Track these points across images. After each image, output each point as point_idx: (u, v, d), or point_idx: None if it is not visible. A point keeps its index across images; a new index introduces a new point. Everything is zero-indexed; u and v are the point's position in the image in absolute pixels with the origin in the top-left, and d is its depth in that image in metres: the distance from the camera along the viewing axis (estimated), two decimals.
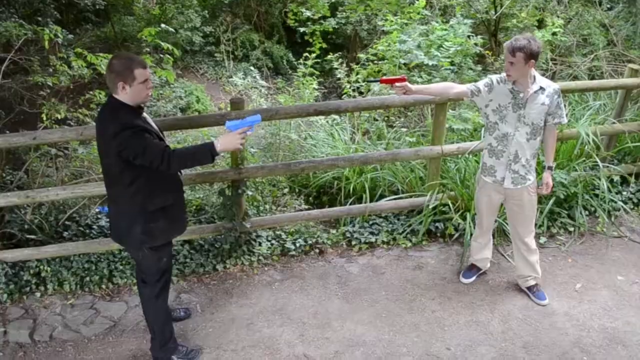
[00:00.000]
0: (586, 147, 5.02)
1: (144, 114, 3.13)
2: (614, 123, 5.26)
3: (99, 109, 3.33)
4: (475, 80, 6.61)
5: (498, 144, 3.76)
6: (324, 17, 10.17)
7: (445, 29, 6.99)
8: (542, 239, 4.81)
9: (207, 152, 3.05)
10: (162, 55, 5.07)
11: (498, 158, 3.79)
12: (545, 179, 3.82)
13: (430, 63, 6.45)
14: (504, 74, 3.67)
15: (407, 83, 3.70)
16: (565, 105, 5.93)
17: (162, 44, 4.80)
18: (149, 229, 3.18)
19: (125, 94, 2.97)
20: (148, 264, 3.35)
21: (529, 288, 4.19)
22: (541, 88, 3.59)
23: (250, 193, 4.64)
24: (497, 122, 3.72)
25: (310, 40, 8.67)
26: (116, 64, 2.95)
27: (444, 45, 6.70)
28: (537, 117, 3.62)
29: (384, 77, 3.71)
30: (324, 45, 7.36)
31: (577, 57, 8.14)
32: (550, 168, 3.84)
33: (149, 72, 3.05)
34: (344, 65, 7.50)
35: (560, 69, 7.71)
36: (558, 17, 7.44)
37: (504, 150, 3.74)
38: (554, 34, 6.94)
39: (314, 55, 7.35)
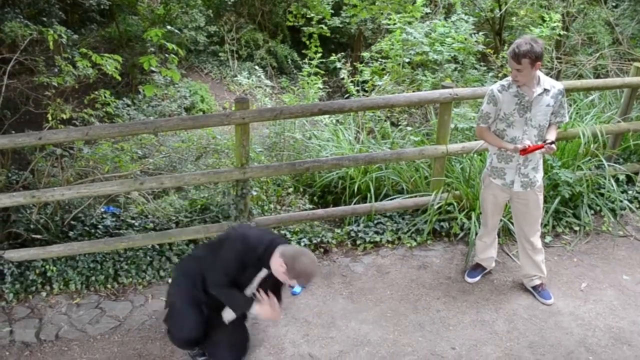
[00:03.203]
0: (591, 146, 5.01)
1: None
2: (619, 122, 5.25)
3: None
4: (480, 79, 6.62)
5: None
6: (325, 19, 10.13)
7: (447, 26, 6.98)
8: (548, 238, 4.80)
9: (242, 306, 3.29)
10: (166, 55, 5.07)
11: (507, 162, 3.78)
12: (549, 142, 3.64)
13: (436, 57, 6.45)
14: (504, 81, 3.68)
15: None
16: (570, 104, 5.93)
17: (168, 44, 4.80)
18: (172, 299, 3.51)
19: (277, 267, 3.10)
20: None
21: (534, 287, 4.18)
22: (545, 90, 3.58)
23: (254, 193, 4.64)
24: (504, 129, 3.71)
25: (308, 42, 8.67)
26: (307, 267, 3.06)
27: (446, 42, 6.71)
28: (543, 118, 3.63)
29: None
30: (320, 50, 7.35)
31: (582, 55, 8.11)
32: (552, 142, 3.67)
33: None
34: (348, 64, 7.49)
35: (565, 68, 7.69)
36: (560, 14, 7.40)
37: (513, 155, 3.73)
38: (552, 29, 6.91)
39: (319, 55, 7.35)
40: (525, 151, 3.61)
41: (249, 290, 3.31)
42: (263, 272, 3.25)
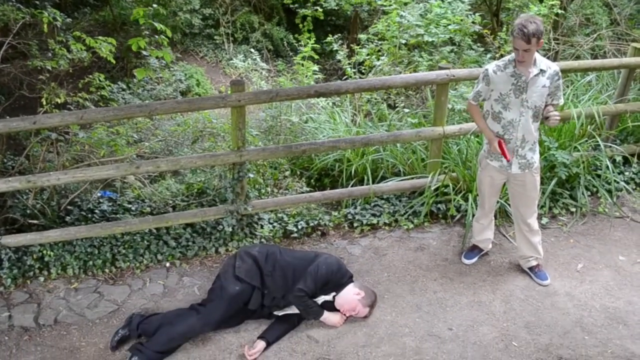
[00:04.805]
0: (588, 127, 5.01)
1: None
2: (616, 103, 5.23)
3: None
4: (478, 60, 6.58)
5: (505, 132, 3.75)
6: (320, 1, 10.00)
7: (443, 7, 6.92)
8: (544, 220, 4.81)
9: (315, 314, 3.75)
10: (155, 37, 5.00)
11: (505, 144, 3.77)
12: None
13: (430, 39, 6.41)
14: (500, 62, 3.67)
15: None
16: (567, 85, 5.91)
17: (156, 24, 4.73)
18: None
19: (352, 294, 3.75)
20: None
21: (530, 268, 4.20)
22: (541, 71, 3.58)
23: (251, 176, 4.63)
24: (500, 111, 3.71)
25: (301, 25, 8.56)
26: (375, 298, 3.88)
27: (440, 23, 6.65)
28: (538, 99, 3.62)
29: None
30: (312, 37, 7.25)
31: (579, 36, 8.06)
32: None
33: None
34: (345, 46, 7.43)
35: (563, 49, 7.64)
36: None
37: (511, 137, 3.74)
38: (551, 7, 6.86)
39: (312, 40, 7.27)
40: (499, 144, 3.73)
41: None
42: (329, 296, 3.78)
